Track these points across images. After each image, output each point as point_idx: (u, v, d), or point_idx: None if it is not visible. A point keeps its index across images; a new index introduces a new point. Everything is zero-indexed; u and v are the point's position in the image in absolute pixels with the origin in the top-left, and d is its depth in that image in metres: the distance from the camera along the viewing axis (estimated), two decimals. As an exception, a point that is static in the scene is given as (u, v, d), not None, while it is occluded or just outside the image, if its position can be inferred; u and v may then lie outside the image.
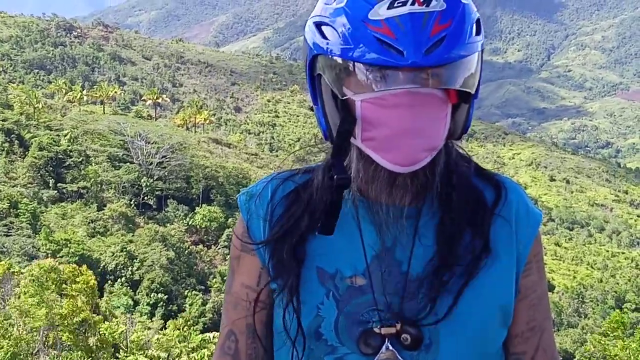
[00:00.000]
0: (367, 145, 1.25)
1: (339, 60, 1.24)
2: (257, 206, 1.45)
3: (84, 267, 33.23)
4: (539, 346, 1.44)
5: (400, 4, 1.18)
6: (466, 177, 1.39)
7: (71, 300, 27.58)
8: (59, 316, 26.13)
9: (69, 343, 26.54)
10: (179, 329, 28.65)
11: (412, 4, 1.18)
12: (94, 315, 27.94)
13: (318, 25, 1.29)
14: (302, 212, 1.39)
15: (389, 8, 1.18)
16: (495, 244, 1.36)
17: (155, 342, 27.41)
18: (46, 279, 27.01)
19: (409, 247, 1.34)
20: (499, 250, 1.36)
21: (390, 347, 1.30)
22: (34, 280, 26.73)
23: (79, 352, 25.50)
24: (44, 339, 26.52)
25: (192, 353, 26.27)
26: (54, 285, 28.02)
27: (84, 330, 26.62)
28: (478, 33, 1.26)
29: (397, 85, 1.19)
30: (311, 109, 1.23)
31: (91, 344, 26.54)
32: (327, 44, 1.25)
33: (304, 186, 1.42)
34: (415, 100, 1.20)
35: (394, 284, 1.33)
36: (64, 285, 29.65)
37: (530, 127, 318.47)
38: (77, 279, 29.72)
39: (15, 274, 31.70)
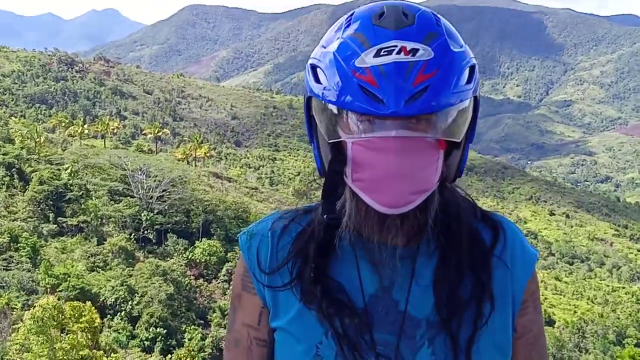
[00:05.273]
0: (357, 186, 1.26)
1: (329, 104, 1.27)
2: (259, 244, 1.45)
3: (88, 304, 33.05)
4: None
5: (386, 53, 1.19)
6: (464, 219, 1.38)
7: (73, 335, 27.47)
8: (62, 351, 26.01)
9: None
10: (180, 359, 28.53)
11: (398, 52, 1.19)
12: (96, 351, 27.78)
13: (313, 67, 1.31)
14: (306, 243, 1.40)
15: (375, 56, 1.20)
16: (493, 285, 1.37)
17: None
18: (49, 317, 26.84)
19: (405, 287, 1.34)
20: (496, 291, 1.36)
21: None
22: (36, 321, 26.53)
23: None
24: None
25: None
26: (55, 322, 27.84)
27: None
28: (470, 81, 1.26)
29: (383, 130, 1.21)
30: (311, 143, 1.32)
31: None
32: (319, 87, 1.28)
33: (309, 224, 1.43)
34: (403, 145, 1.20)
35: (392, 323, 1.33)
36: (65, 322, 29.52)
37: (529, 162, 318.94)
38: (81, 319, 29.62)
39: (14, 309, 31.46)
